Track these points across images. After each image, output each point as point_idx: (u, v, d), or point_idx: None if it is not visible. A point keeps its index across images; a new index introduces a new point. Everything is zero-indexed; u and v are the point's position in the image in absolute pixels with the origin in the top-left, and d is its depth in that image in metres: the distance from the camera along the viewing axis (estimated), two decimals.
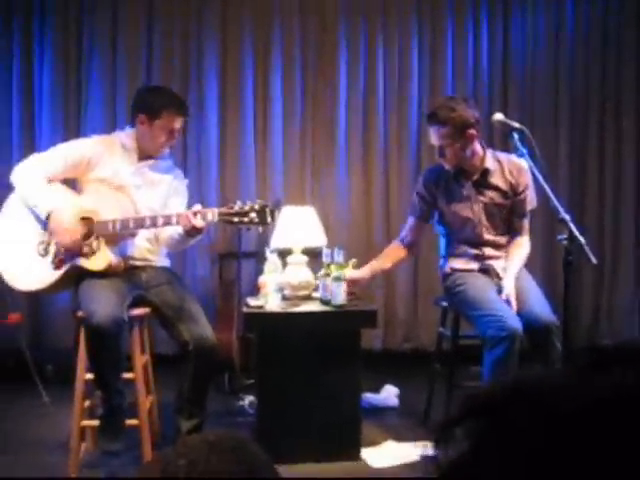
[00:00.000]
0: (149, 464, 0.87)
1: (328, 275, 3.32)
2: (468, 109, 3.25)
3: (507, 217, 3.41)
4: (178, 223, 3.03)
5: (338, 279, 3.27)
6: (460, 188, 3.38)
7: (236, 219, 2.97)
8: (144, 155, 3.30)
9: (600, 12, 5.09)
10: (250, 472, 0.86)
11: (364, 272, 3.48)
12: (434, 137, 3.29)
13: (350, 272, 3.38)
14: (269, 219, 2.97)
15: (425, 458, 0.51)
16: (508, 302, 3.14)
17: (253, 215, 2.95)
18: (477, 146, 3.33)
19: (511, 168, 3.34)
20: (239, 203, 2.99)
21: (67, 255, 3.11)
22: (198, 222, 2.97)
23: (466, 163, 3.32)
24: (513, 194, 3.36)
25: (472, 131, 3.25)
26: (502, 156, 3.42)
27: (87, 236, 3.10)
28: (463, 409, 0.50)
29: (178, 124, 3.27)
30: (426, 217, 3.53)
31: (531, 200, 3.40)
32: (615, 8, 5.09)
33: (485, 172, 3.34)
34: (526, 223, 3.46)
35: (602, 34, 5.09)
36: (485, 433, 0.48)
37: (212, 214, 3.00)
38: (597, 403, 0.44)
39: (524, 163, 3.19)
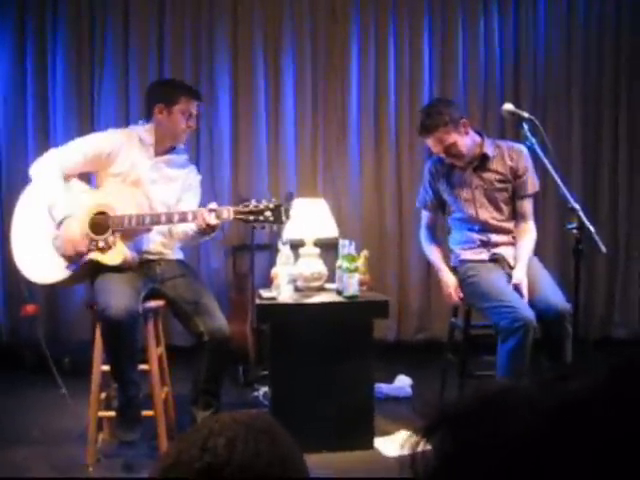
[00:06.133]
0: (183, 440, 0.87)
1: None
2: (449, 104, 3.43)
3: (509, 201, 3.44)
4: (193, 220, 3.06)
5: (350, 270, 3.29)
6: (460, 174, 3.44)
7: (251, 217, 3.00)
8: (161, 150, 3.34)
9: (611, 5, 5.06)
10: (283, 455, 0.87)
11: (450, 276, 3.49)
12: (437, 145, 3.35)
13: (447, 280, 3.47)
14: (284, 218, 3.00)
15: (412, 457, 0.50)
16: (518, 290, 3.16)
17: (268, 214, 2.98)
18: (474, 134, 3.42)
19: (511, 153, 3.41)
20: (254, 202, 3.01)
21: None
22: (212, 220, 3.01)
23: (470, 151, 3.37)
24: (513, 177, 3.42)
25: (464, 120, 3.37)
26: (502, 142, 3.52)
27: (103, 231, 3.14)
28: (429, 424, 0.49)
29: (194, 108, 3.34)
30: (435, 208, 3.59)
31: (533, 183, 3.45)
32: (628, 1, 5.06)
33: (484, 158, 3.40)
34: (529, 207, 3.49)
35: (615, 23, 5.06)
36: (449, 448, 0.47)
37: (227, 212, 3.03)
38: (558, 410, 0.43)
39: (523, 148, 3.29)
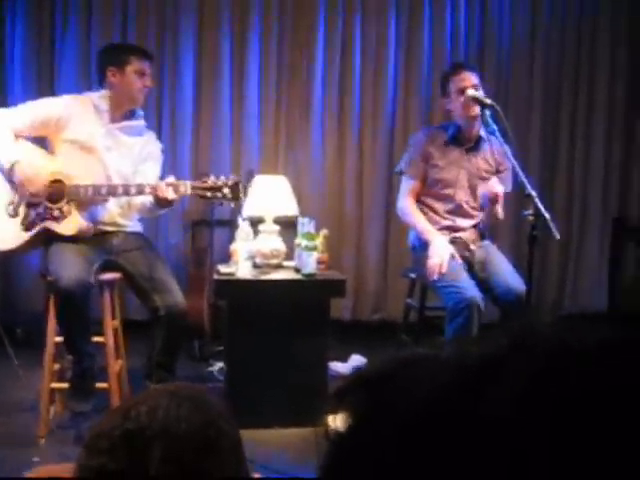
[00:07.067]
0: (112, 411, 0.91)
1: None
2: None
3: None
4: (150, 193, 3.05)
5: (309, 248, 3.31)
6: (452, 151, 3.45)
7: (209, 194, 3.01)
8: (117, 116, 3.30)
9: None
10: (209, 419, 0.91)
11: (446, 243, 3.31)
12: (471, 77, 3.36)
13: (441, 247, 3.26)
14: (242, 195, 3.01)
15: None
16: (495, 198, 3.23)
17: (226, 190, 2.99)
18: None
19: (498, 148, 3.39)
20: (212, 177, 3.02)
21: (35, 214, 3.10)
22: (170, 194, 3.00)
23: (476, 124, 3.38)
24: (496, 170, 3.47)
25: None
26: (492, 137, 3.45)
27: (58, 199, 3.10)
28: (348, 383, 0.48)
29: (147, 67, 3.31)
30: (423, 176, 3.49)
31: (508, 183, 3.48)
32: None
33: (479, 140, 3.43)
34: None
35: (579, 10, 5.12)
36: (363, 409, 0.46)
37: (185, 187, 3.03)
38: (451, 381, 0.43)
39: (507, 147, 3.25)
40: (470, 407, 0.41)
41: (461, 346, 0.47)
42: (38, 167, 3.09)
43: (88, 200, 3.12)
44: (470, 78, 3.35)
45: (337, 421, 0.47)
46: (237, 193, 2.99)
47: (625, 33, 5.13)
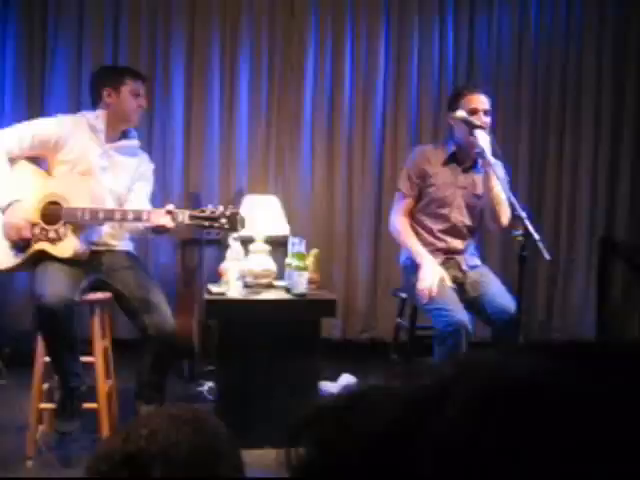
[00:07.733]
0: (113, 434, 0.91)
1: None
2: None
3: (480, 214, 3.49)
4: (148, 220, 3.04)
5: (300, 268, 3.32)
6: (449, 170, 3.44)
7: (206, 223, 3.00)
8: (112, 137, 3.31)
9: (563, 13, 5.19)
10: (209, 443, 0.91)
11: (437, 267, 3.31)
12: (485, 101, 3.37)
13: (432, 271, 3.27)
14: (239, 227, 3.02)
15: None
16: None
17: (224, 221, 2.99)
18: None
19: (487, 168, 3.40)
20: (210, 207, 3.02)
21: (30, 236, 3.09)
22: (168, 222, 3.00)
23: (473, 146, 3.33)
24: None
25: None
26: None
27: (54, 221, 3.09)
28: (305, 418, 0.49)
29: (142, 88, 3.36)
30: (417, 196, 3.50)
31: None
32: (578, 10, 5.20)
33: (476, 161, 3.41)
34: None
35: (565, 36, 5.19)
36: (316, 443, 0.47)
37: (182, 216, 3.02)
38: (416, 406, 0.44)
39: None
40: (409, 443, 0.42)
41: (409, 378, 0.49)
42: (27, 213, 3.07)
43: (84, 223, 3.11)
44: (484, 102, 3.35)
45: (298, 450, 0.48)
46: (234, 224, 3.00)
47: (609, 50, 5.19)
